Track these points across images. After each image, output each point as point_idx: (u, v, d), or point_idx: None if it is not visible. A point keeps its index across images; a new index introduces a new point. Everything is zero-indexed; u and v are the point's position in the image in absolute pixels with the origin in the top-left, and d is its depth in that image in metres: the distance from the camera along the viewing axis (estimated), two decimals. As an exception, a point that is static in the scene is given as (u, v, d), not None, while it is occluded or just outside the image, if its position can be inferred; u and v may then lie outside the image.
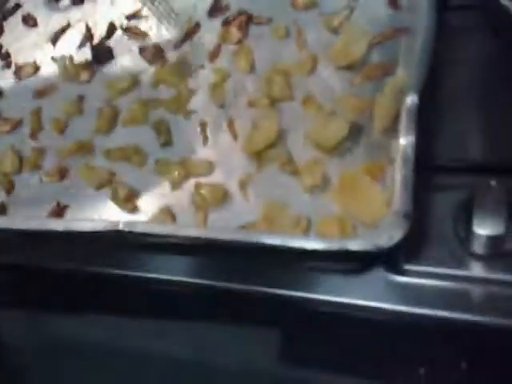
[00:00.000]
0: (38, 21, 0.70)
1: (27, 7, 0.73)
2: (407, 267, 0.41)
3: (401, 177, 0.40)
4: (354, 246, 0.38)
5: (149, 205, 0.52)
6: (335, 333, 0.43)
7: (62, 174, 0.56)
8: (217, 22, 0.61)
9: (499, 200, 0.39)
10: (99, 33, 0.66)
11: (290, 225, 0.45)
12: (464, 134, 0.46)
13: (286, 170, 0.49)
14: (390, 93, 0.46)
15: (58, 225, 0.49)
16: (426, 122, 0.45)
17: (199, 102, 0.57)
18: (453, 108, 0.47)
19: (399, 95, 0.45)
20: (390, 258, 0.41)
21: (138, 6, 0.66)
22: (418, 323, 0.40)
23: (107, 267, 0.51)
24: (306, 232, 0.45)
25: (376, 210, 0.43)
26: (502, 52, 0.47)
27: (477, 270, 0.40)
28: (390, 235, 0.37)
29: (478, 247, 0.39)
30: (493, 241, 0.39)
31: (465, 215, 0.40)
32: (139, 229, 0.44)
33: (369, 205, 0.43)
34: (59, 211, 0.53)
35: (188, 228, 0.46)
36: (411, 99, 0.42)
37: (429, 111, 0.46)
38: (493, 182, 0.40)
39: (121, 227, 0.44)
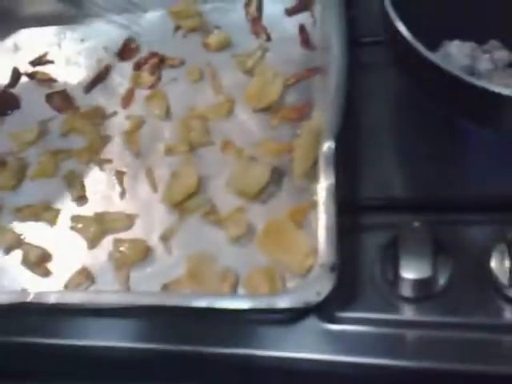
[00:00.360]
0: None
1: None
2: (340, 315, 0.40)
3: (324, 225, 0.40)
4: (282, 303, 0.37)
5: (64, 266, 0.48)
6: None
7: (-33, 237, 0.51)
8: (128, 65, 0.59)
9: (424, 242, 0.39)
10: (3, 80, 0.62)
11: (217, 280, 0.43)
12: (384, 173, 0.46)
13: (210, 220, 0.47)
14: (307, 137, 0.46)
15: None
16: (346, 161, 0.45)
17: (114, 150, 0.54)
18: (371, 146, 0.47)
19: (316, 139, 0.45)
20: (322, 307, 0.40)
21: (44, 50, 0.63)
22: (356, 371, 0.40)
23: (26, 336, 0.46)
24: (234, 286, 0.43)
25: (302, 259, 0.42)
26: (411, 88, 0.48)
27: (408, 313, 0.40)
28: (317, 290, 0.36)
29: (407, 290, 0.39)
30: (420, 284, 0.38)
31: (391, 258, 0.40)
32: (51, 299, 0.41)
33: (294, 253, 0.42)
34: (-36, 280, 0.49)
35: (106, 293, 0.43)
36: (328, 145, 0.42)
37: (348, 150, 0.46)
38: (416, 223, 0.40)
39: (30, 299, 0.41)
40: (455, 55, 0.47)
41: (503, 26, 0.47)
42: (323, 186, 0.41)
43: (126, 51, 0.61)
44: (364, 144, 0.47)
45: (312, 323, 0.41)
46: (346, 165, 0.44)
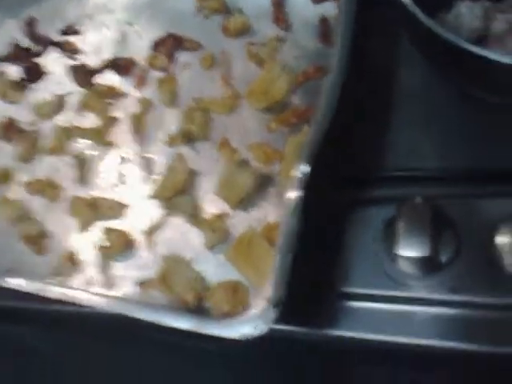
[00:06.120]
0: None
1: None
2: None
3: (279, 249, 0.38)
4: (219, 332, 0.37)
5: (56, 247, 0.50)
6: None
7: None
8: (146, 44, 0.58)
9: (423, 219, 0.38)
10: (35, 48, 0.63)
11: (185, 287, 0.43)
12: (390, 144, 0.45)
13: (192, 223, 0.47)
14: (293, 150, 0.44)
15: None
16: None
17: (120, 133, 0.54)
18: (378, 115, 0.46)
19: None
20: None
21: (77, 18, 0.63)
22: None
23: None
24: (199, 296, 0.43)
25: (263, 279, 0.41)
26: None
27: (410, 290, 0.40)
28: (256, 324, 0.36)
29: (407, 268, 0.39)
30: (420, 262, 0.38)
31: (391, 234, 0.39)
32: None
33: (258, 271, 0.42)
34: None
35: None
36: (300, 169, 0.39)
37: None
38: (417, 199, 0.39)
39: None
40: (466, 16, 0.44)
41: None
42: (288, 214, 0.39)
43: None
44: (372, 115, 0.47)
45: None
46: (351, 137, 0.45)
